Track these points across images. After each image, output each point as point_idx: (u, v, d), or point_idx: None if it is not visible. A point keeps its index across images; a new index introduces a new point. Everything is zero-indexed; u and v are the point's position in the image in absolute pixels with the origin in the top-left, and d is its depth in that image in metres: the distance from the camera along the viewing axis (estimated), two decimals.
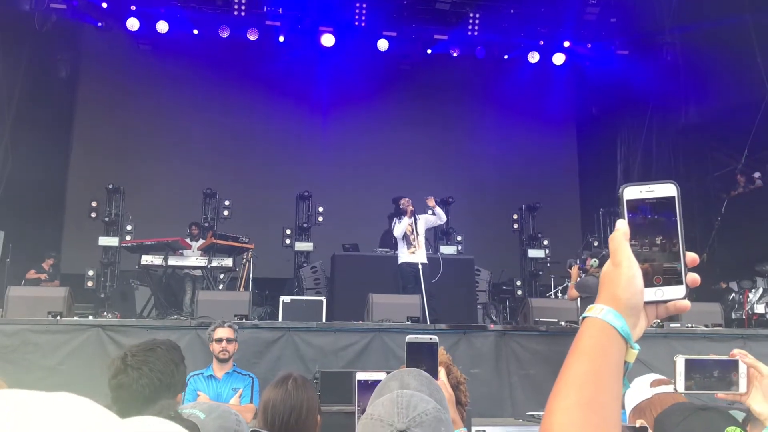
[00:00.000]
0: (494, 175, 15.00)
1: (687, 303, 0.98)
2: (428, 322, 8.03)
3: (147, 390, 2.12)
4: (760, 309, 10.47)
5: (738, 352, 1.55)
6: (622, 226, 0.98)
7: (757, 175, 12.22)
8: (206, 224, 11.71)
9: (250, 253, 10.50)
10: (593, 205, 13.89)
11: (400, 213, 8.82)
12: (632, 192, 1.00)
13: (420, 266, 8.55)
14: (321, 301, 8.59)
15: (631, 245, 0.97)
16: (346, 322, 8.05)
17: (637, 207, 1.00)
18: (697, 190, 14.13)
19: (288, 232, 12.14)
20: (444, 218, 9.33)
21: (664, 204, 1.00)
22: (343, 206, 13.64)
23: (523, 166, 15.12)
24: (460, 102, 15.54)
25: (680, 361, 1.58)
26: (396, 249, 9.11)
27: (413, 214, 8.74)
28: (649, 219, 0.99)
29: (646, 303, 0.97)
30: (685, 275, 0.98)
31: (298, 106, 14.87)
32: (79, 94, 14.59)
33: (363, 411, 1.86)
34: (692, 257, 0.98)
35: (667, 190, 1.00)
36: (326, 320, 8.18)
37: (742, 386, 1.53)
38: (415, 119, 15.11)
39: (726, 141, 13.19)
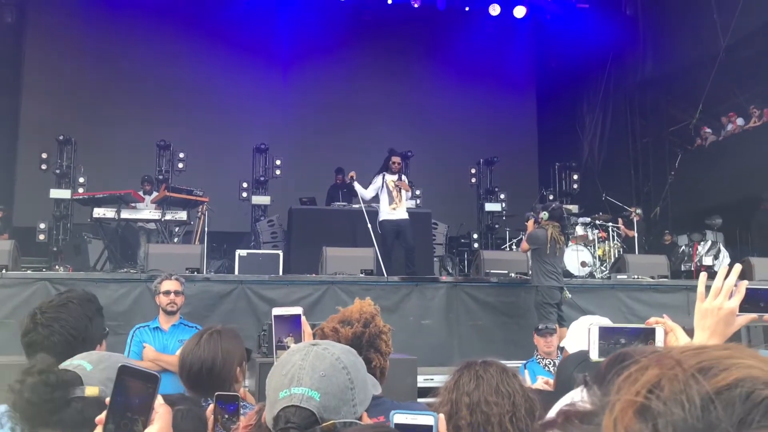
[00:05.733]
0: (454, 129, 14.95)
1: None
2: (386, 275, 8.06)
3: (59, 347, 2.04)
4: (707, 261, 10.75)
5: (655, 320, 1.53)
6: None
7: (708, 130, 12.40)
8: (160, 177, 11.52)
9: (204, 206, 10.38)
10: (551, 159, 13.97)
11: (386, 168, 8.63)
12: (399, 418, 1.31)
13: (399, 223, 8.48)
14: (278, 254, 8.57)
15: None
16: (299, 275, 8.07)
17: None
18: (653, 146, 14.34)
19: (245, 185, 12.03)
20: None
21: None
22: (301, 159, 13.53)
23: (483, 120, 15.10)
24: (420, 55, 15.38)
25: (593, 330, 1.54)
26: (377, 204, 8.79)
27: (399, 174, 8.62)
28: None
29: None
30: None
31: (255, 58, 14.57)
32: (27, 40, 14.05)
33: (279, 342, 1.93)
34: None
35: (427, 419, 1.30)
36: (283, 274, 8.17)
37: None
38: (375, 72, 14.93)
39: (682, 96, 13.33)
